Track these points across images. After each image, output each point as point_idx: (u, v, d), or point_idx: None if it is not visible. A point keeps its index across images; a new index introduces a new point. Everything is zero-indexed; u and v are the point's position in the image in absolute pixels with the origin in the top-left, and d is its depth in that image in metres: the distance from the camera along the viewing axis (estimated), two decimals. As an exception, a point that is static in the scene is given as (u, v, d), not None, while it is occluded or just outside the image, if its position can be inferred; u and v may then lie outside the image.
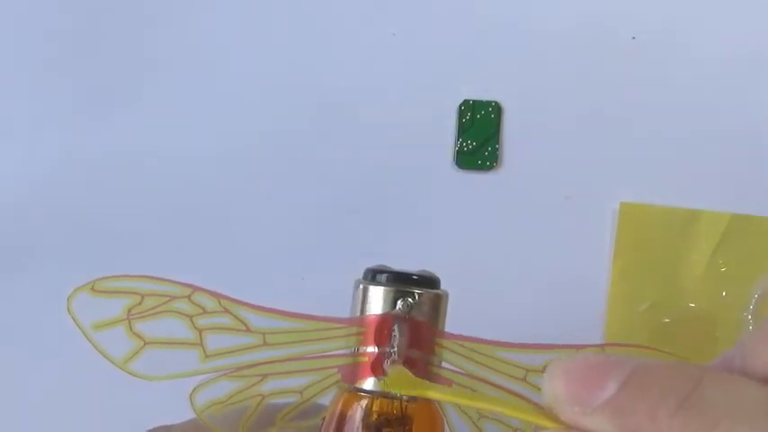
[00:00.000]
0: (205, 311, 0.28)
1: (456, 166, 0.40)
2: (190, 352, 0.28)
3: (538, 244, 0.40)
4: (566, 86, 0.40)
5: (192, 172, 0.41)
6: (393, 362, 0.27)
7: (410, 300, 0.27)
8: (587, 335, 0.39)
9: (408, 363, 0.27)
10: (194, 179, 0.41)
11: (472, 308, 0.40)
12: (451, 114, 0.40)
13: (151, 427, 0.30)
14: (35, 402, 0.40)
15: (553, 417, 0.21)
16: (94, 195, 0.41)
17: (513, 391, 0.28)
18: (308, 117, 0.41)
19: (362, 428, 0.26)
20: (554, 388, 0.21)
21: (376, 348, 0.27)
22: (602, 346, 0.28)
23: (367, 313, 0.28)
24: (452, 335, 0.28)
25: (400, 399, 0.27)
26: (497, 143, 0.40)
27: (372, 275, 0.28)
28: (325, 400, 0.28)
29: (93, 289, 0.29)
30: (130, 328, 0.28)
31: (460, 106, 0.40)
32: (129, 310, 0.28)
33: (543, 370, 0.28)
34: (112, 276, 0.28)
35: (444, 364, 0.28)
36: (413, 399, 0.27)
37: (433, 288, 0.28)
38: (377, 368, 0.27)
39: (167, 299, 0.28)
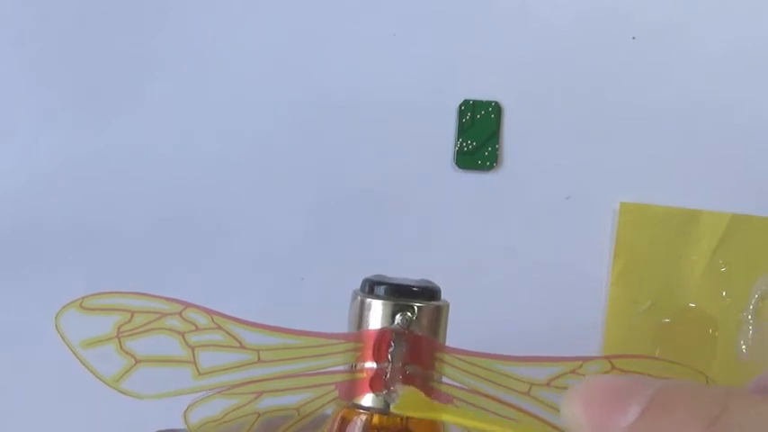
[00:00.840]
0: (197, 328, 0.27)
1: (456, 166, 0.40)
2: (183, 370, 0.27)
3: (538, 244, 0.40)
4: (566, 86, 0.40)
5: (191, 172, 0.41)
6: (392, 378, 0.26)
7: (409, 314, 0.26)
8: (587, 335, 0.39)
9: (408, 378, 0.26)
10: (194, 179, 0.41)
11: (472, 308, 0.40)
12: (451, 114, 0.40)
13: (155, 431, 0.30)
14: (35, 403, 0.40)
15: None
16: (94, 196, 0.41)
17: (517, 405, 0.27)
18: (308, 117, 0.40)
19: None
20: (573, 414, 0.20)
21: (374, 364, 0.26)
22: (608, 357, 0.28)
23: (364, 327, 0.27)
24: (453, 349, 0.27)
25: (400, 414, 0.26)
26: (497, 143, 0.40)
27: (370, 287, 0.28)
28: (323, 416, 0.28)
29: (81, 306, 0.28)
30: (121, 346, 0.27)
31: (460, 106, 0.40)
32: (119, 328, 0.27)
33: (548, 383, 0.27)
34: (101, 293, 0.27)
35: (445, 379, 0.27)
36: None
37: (433, 300, 0.27)
38: (376, 384, 0.26)
39: (158, 316, 0.27)
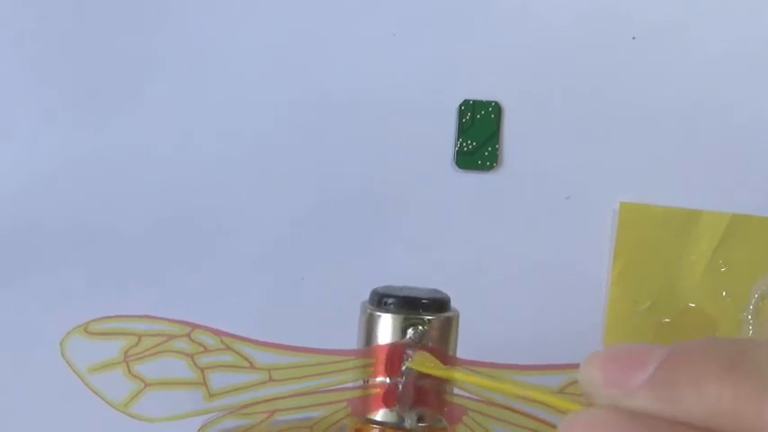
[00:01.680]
0: (206, 350, 0.27)
1: (456, 166, 0.40)
2: (193, 392, 0.27)
3: (538, 244, 0.40)
4: (566, 86, 0.40)
5: (191, 172, 0.41)
6: (405, 392, 0.26)
7: (421, 327, 0.26)
8: (587, 335, 0.39)
9: (420, 391, 0.26)
10: (194, 179, 0.41)
11: (472, 308, 0.40)
12: (451, 114, 0.40)
13: None
14: (35, 403, 0.40)
15: (580, 401, 0.20)
16: (94, 196, 0.41)
17: (531, 414, 0.27)
18: (308, 117, 0.40)
19: None
20: (591, 375, 0.19)
21: (387, 379, 0.26)
22: None
23: (375, 341, 0.27)
24: (466, 361, 0.27)
25: (415, 428, 0.26)
26: (497, 143, 0.40)
27: (379, 299, 0.27)
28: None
29: (86, 331, 0.27)
30: (129, 370, 0.27)
31: (460, 106, 0.40)
32: (126, 352, 0.27)
33: (561, 390, 0.27)
34: (105, 318, 0.27)
35: (458, 391, 0.27)
36: (428, 427, 0.26)
37: (443, 311, 0.27)
38: (389, 399, 0.26)
39: (165, 338, 0.27)
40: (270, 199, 0.40)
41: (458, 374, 0.25)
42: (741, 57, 0.39)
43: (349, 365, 0.27)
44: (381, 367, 0.26)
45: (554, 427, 0.27)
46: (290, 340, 0.40)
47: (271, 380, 0.27)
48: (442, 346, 0.27)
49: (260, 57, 0.41)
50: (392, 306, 0.27)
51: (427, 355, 0.26)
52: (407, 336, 0.26)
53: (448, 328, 0.27)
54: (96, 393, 0.27)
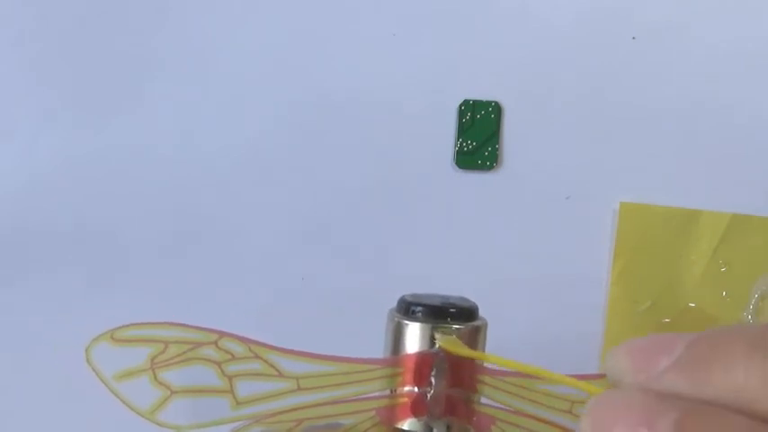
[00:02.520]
0: (234, 357, 0.27)
1: (456, 166, 0.40)
2: (220, 400, 0.27)
3: (538, 244, 0.40)
4: (566, 86, 0.40)
5: (191, 172, 0.41)
6: (434, 401, 0.25)
7: (449, 337, 0.26)
8: (587, 335, 0.39)
9: (449, 401, 0.26)
10: (194, 179, 0.41)
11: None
12: (451, 114, 0.40)
13: None
14: (35, 403, 0.40)
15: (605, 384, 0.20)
16: (94, 196, 0.41)
17: (560, 424, 0.27)
18: (308, 117, 0.40)
19: None
20: (618, 363, 0.19)
21: (416, 388, 0.26)
22: None
23: (403, 350, 0.26)
24: (495, 371, 0.27)
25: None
26: (497, 143, 0.40)
27: (407, 308, 0.27)
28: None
29: (113, 338, 0.27)
30: (155, 378, 0.27)
31: (460, 106, 0.40)
32: (153, 359, 0.27)
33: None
34: (132, 324, 0.27)
35: (485, 400, 0.27)
36: None
37: (471, 320, 0.27)
38: (418, 408, 0.26)
39: (193, 346, 0.27)
40: (270, 199, 0.40)
41: (490, 357, 0.25)
42: (741, 57, 0.39)
43: (377, 374, 0.26)
44: (410, 376, 0.26)
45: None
46: (290, 340, 0.40)
47: (299, 388, 0.27)
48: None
49: (260, 57, 0.41)
50: (420, 315, 0.26)
51: (455, 339, 0.26)
52: (436, 345, 0.26)
53: (476, 336, 0.27)
54: (122, 401, 0.27)
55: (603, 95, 0.40)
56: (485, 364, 0.27)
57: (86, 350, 0.27)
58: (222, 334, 0.27)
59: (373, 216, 0.40)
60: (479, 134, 0.40)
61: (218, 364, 0.27)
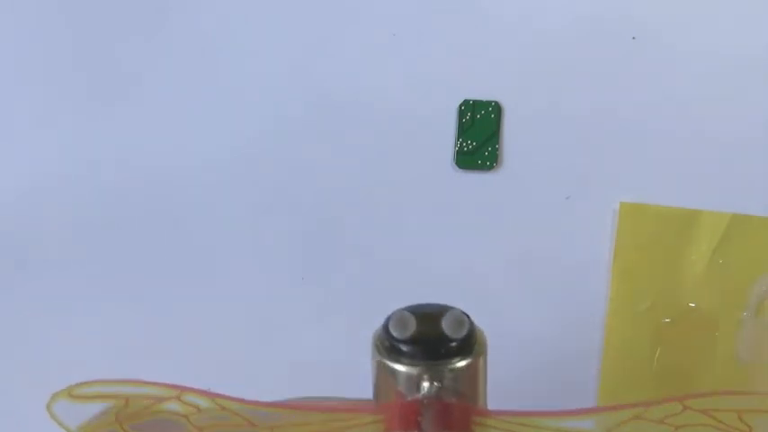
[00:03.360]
0: (200, 410, 0.25)
1: (456, 166, 0.40)
2: None
3: (538, 244, 0.39)
4: (566, 86, 0.40)
5: (191, 172, 0.41)
6: None
7: (437, 383, 0.23)
8: (587, 335, 0.39)
9: None
10: (194, 179, 0.41)
11: (471, 308, 0.40)
12: (451, 114, 0.40)
13: None
14: (35, 403, 0.40)
15: None
16: (94, 196, 0.41)
17: None
18: (308, 117, 0.40)
19: None
20: None
21: None
22: (678, 399, 0.23)
23: (389, 390, 0.23)
24: (493, 411, 0.24)
25: None
26: (497, 143, 0.40)
27: (390, 343, 0.23)
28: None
29: (71, 395, 0.25)
30: (122, 429, 0.25)
31: (460, 106, 0.40)
32: (117, 414, 0.25)
33: None
34: (88, 382, 0.25)
35: None
36: None
37: (468, 354, 0.23)
38: None
39: (155, 401, 0.25)
40: (270, 199, 0.40)
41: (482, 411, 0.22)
42: (741, 57, 0.39)
43: (358, 422, 0.24)
44: (396, 423, 0.23)
45: None
46: (290, 340, 0.40)
47: None
48: (465, 395, 0.23)
49: (259, 56, 0.41)
50: (405, 355, 0.23)
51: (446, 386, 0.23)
52: (423, 389, 0.23)
53: (473, 374, 0.23)
54: None
55: (603, 95, 0.40)
56: (483, 407, 0.24)
57: (47, 406, 0.26)
58: (183, 389, 0.25)
59: (373, 216, 0.40)
60: (479, 134, 0.40)
61: (186, 416, 0.25)
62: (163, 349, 0.40)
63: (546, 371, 0.39)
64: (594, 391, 0.39)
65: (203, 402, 0.24)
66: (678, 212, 0.39)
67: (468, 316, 0.24)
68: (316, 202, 0.40)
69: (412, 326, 0.23)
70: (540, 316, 0.39)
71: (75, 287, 0.41)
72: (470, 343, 0.23)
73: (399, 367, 0.23)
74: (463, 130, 0.40)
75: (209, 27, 0.41)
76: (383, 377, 0.24)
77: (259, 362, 0.40)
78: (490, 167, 0.40)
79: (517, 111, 0.40)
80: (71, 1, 0.41)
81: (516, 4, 0.40)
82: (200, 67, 0.41)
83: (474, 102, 0.40)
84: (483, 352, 0.24)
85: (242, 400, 0.25)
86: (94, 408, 0.25)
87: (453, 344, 0.23)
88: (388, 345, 0.23)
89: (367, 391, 0.25)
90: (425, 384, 0.23)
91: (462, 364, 0.23)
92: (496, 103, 0.40)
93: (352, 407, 0.24)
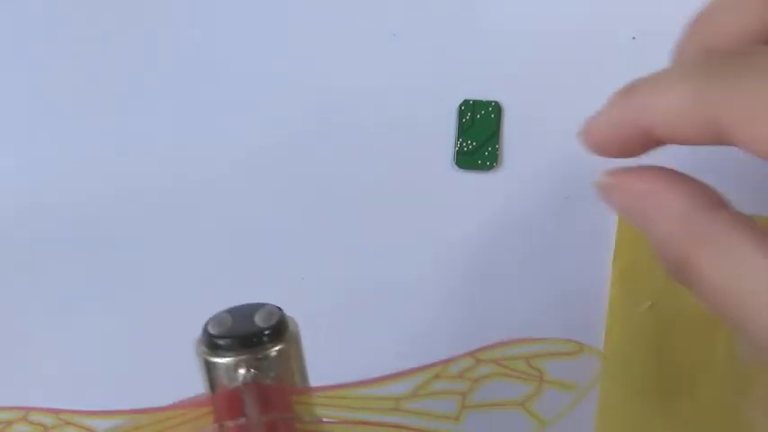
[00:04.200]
0: (47, 429, 0.26)
1: (456, 166, 0.40)
2: None
3: (538, 244, 0.40)
4: (566, 86, 0.40)
5: (191, 172, 0.41)
6: (252, 430, 0.25)
7: (252, 370, 0.25)
8: (587, 335, 0.39)
9: (270, 427, 0.25)
10: (194, 179, 0.41)
11: (470, 308, 0.40)
12: (451, 114, 0.40)
13: None
14: (35, 403, 0.40)
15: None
16: (94, 195, 0.41)
17: (391, 423, 0.26)
18: (308, 117, 0.40)
19: None
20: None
21: (233, 422, 0.25)
22: (471, 353, 0.26)
23: (214, 384, 0.26)
24: (307, 388, 0.26)
25: None
26: (497, 143, 0.40)
27: (209, 340, 0.26)
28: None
29: None
30: None
31: (460, 106, 0.40)
32: None
33: (414, 394, 0.26)
34: None
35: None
36: None
37: (278, 339, 0.26)
38: None
39: (3, 425, 0.26)
40: (270, 199, 0.40)
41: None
42: (741, 57, 0.39)
43: (188, 417, 0.26)
44: (222, 413, 0.25)
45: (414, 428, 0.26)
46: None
47: None
48: (283, 376, 0.26)
49: (259, 57, 0.41)
50: (222, 349, 0.25)
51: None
52: (240, 378, 0.25)
53: (286, 356, 0.26)
54: None
55: (603, 95, 0.40)
56: (296, 383, 0.26)
57: None
58: (29, 409, 0.26)
59: (373, 216, 0.40)
60: (479, 134, 0.40)
61: None
62: (163, 349, 0.40)
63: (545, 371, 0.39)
64: (594, 391, 0.39)
65: (48, 420, 0.26)
66: (678, 212, 0.39)
67: (280, 309, 0.27)
68: (316, 201, 0.40)
69: (228, 323, 0.26)
70: (540, 316, 0.39)
71: (75, 287, 0.41)
72: (281, 330, 0.26)
73: (218, 360, 0.25)
74: (463, 130, 0.40)
75: (209, 27, 0.41)
76: (207, 374, 0.26)
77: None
78: (490, 167, 0.40)
79: (517, 111, 0.40)
80: (71, 1, 0.41)
81: (516, 4, 0.40)
82: (200, 68, 0.41)
83: (474, 102, 0.40)
84: (295, 339, 0.26)
85: (83, 411, 0.26)
86: None
87: (266, 333, 0.25)
88: (207, 342, 0.26)
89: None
90: (242, 372, 0.25)
91: (275, 350, 0.25)
92: (496, 103, 0.40)
93: (180, 404, 0.26)
